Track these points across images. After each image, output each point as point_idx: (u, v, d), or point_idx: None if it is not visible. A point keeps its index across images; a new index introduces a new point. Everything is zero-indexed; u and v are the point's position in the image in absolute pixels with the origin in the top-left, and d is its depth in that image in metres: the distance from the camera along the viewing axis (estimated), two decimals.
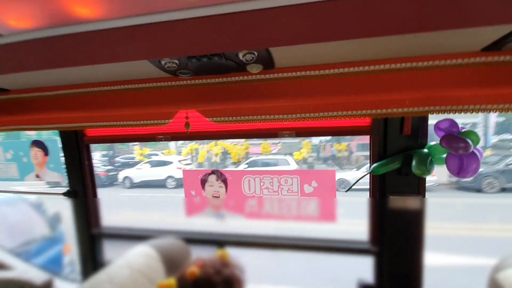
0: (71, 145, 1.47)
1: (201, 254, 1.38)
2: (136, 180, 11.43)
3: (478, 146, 0.96)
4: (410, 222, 1.17)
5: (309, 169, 13.06)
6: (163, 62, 0.81)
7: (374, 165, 1.14)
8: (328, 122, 1.23)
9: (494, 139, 12.79)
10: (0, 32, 0.73)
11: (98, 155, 13.83)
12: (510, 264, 0.99)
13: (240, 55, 0.78)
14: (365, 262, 1.26)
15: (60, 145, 1.53)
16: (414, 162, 1.04)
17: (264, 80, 0.94)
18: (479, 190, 8.69)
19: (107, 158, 14.09)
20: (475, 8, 0.49)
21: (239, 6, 0.59)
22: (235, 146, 15.03)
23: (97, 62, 0.75)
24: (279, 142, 16.71)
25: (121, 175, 11.75)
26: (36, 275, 1.43)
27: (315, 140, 15.72)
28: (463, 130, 0.97)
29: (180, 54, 0.73)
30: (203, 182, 1.43)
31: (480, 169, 0.94)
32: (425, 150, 1.05)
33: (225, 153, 15.12)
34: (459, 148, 0.91)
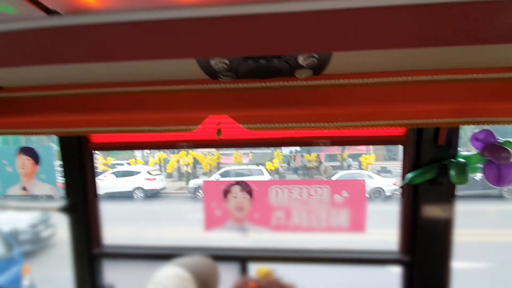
0: (73, 152, 1.27)
1: (230, 271, 1.27)
2: (100, 191, 10.49)
3: None
4: (441, 231, 1.20)
5: (281, 179, 13.20)
6: (212, 62, 0.74)
7: (411, 175, 1.16)
8: (363, 131, 1.23)
9: None
10: None
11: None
12: None
13: (301, 59, 0.74)
14: (395, 272, 1.26)
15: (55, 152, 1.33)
16: (453, 172, 1.07)
17: (309, 86, 0.91)
18: (500, 197, 9.40)
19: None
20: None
21: (311, 4, 0.55)
22: (206, 156, 14.70)
23: (134, 59, 0.65)
24: (249, 152, 16.73)
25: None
26: None
27: (285, 150, 16.04)
28: (499, 141, 1.03)
29: (243, 53, 0.67)
30: (226, 193, 1.33)
31: None
32: (462, 160, 1.10)
33: (196, 163, 14.69)
34: (502, 158, 0.96)
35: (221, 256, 1.34)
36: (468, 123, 0.96)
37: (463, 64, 0.83)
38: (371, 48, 0.58)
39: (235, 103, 0.97)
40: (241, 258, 1.33)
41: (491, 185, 1.03)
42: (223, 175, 11.34)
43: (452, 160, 1.12)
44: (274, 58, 0.75)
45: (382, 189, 9.94)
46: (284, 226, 1.32)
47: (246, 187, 1.32)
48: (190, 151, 13.16)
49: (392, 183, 10.01)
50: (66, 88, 1.05)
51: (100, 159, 13.33)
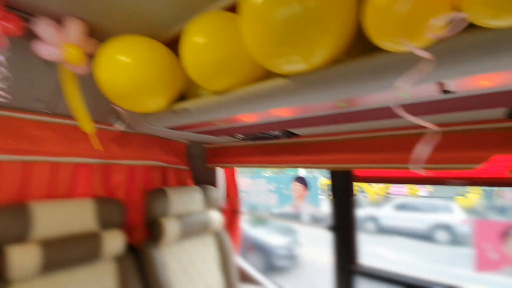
0: (340, 183, 1.62)
1: None
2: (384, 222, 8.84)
3: None
4: None
5: (481, 218, 9.96)
6: None
7: None
8: None
9: None
10: None
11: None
12: None
13: None
14: None
15: (318, 182, 1.74)
16: None
17: None
18: None
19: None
20: None
21: None
22: (371, 185, 13.69)
23: None
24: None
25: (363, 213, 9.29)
26: None
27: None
28: None
29: None
30: (504, 235, 1.22)
31: None
32: None
33: (361, 191, 13.97)
34: None
35: None
36: None
37: None
38: None
39: None
40: None
41: None
42: (399, 207, 10.04)
43: None
44: None
45: None
46: None
47: None
48: None
49: None
50: (339, 134, 1.38)
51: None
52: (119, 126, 1.50)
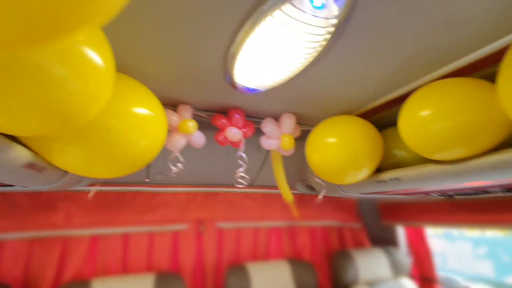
0: None
1: None
2: None
3: None
4: None
5: None
6: None
7: None
8: None
9: None
10: None
11: None
12: None
13: None
14: None
15: None
16: None
17: None
18: None
19: None
20: None
21: None
22: None
23: None
24: None
25: None
26: None
27: None
28: None
29: None
30: None
31: None
32: None
33: None
34: None
35: None
36: None
37: None
38: None
39: None
40: None
41: None
42: None
43: None
44: None
45: None
46: None
47: None
48: None
49: None
50: None
51: None
52: (321, 197, 1.61)
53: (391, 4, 0.65)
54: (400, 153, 1.24)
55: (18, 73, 0.51)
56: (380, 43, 0.79)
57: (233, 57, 0.82)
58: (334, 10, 0.65)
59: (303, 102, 1.18)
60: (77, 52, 0.56)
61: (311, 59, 0.83)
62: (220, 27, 0.71)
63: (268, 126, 1.30)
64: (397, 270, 1.87)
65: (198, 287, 1.63)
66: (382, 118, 1.27)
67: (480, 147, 0.88)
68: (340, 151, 1.18)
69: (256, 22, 0.69)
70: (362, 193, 1.51)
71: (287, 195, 1.58)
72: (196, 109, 1.23)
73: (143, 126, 0.87)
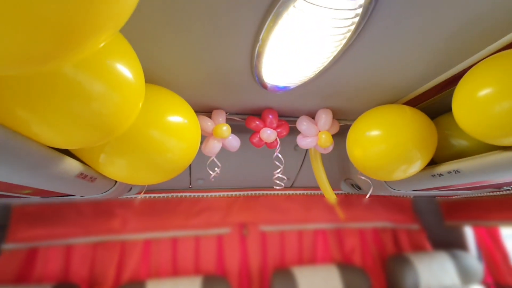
0: None
1: None
2: None
3: None
4: None
5: None
6: None
7: None
8: None
9: None
10: None
11: None
12: None
13: None
14: None
15: None
16: None
17: None
18: None
19: None
20: None
21: None
22: None
23: None
24: None
25: None
26: None
27: None
28: None
29: None
30: None
31: None
32: None
33: None
34: None
35: None
36: None
37: None
38: None
39: None
40: None
41: None
42: None
43: None
44: None
45: None
46: None
47: None
48: None
49: None
50: None
51: None
52: (368, 196, 1.51)
53: None
54: (459, 142, 1.08)
55: (63, 92, 0.56)
56: (420, 17, 0.67)
57: (260, 55, 0.81)
58: None
59: (339, 95, 1.11)
60: (110, 68, 0.60)
61: (340, 47, 0.77)
62: (242, 26, 0.70)
63: (303, 124, 1.25)
64: (466, 276, 1.64)
65: None
66: (433, 104, 1.13)
67: None
68: (386, 144, 1.07)
69: (279, 15, 0.66)
70: (416, 190, 1.36)
71: (330, 195, 1.49)
72: (230, 113, 1.24)
73: (177, 132, 0.90)
